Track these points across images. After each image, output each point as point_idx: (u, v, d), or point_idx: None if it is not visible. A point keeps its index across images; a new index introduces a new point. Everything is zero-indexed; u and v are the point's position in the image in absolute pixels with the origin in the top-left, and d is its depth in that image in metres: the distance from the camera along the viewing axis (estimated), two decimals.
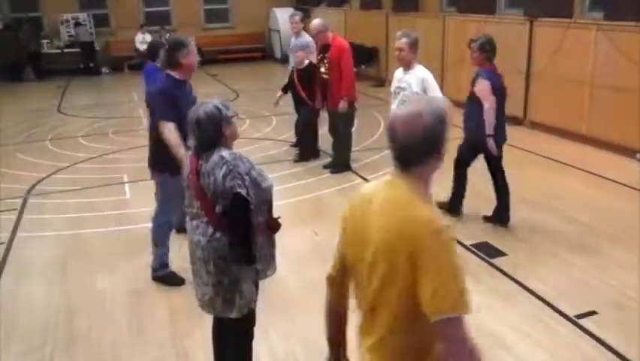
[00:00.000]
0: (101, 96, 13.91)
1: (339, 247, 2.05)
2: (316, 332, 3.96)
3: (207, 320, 4.12)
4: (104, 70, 17.08)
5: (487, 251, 4.93)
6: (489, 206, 5.39)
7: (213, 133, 2.84)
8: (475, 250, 5.00)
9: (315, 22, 7.19)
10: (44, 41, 16.69)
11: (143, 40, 15.89)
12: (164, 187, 4.55)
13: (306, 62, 7.26)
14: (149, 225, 4.60)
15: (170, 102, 4.22)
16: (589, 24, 7.92)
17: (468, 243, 5.15)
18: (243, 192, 2.77)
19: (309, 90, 7.35)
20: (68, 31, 16.90)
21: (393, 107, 5.03)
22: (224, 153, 2.83)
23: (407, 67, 4.98)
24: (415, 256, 1.73)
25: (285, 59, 15.22)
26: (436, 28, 11.23)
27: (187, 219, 3.06)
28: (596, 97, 7.81)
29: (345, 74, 6.88)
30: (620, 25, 7.40)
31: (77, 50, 16.72)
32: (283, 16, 15.76)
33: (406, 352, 1.86)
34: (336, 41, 7.11)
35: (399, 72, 5.12)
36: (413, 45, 4.89)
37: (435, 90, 4.89)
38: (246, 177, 2.81)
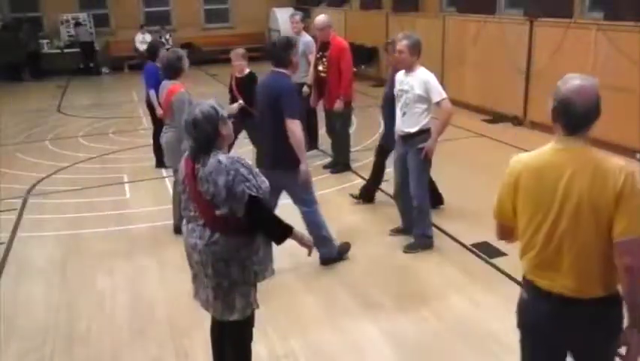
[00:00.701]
0: (101, 96, 13.91)
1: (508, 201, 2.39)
2: (316, 332, 3.97)
3: (207, 320, 4.13)
4: (104, 70, 17.08)
5: (487, 251, 4.92)
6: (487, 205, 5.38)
7: (211, 133, 2.77)
8: (476, 250, 5.00)
9: (322, 17, 7.15)
10: (44, 41, 16.68)
11: (143, 40, 15.89)
12: (296, 181, 4.56)
13: (247, 70, 6.71)
14: (150, 225, 4.61)
15: (296, 100, 4.51)
16: (589, 24, 7.92)
17: (468, 243, 5.16)
18: (254, 192, 2.77)
19: (248, 100, 6.51)
20: (68, 31, 16.90)
21: (397, 110, 4.99)
22: (221, 157, 2.76)
23: (409, 69, 4.92)
24: (619, 195, 2.15)
25: None
26: (436, 28, 11.23)
27: (183, 222, 3.03)
28: None
29: (344, 74, 6.88)
30: (620, 25, 7.40)
31: (77, 50, 16.72)
32: (283, 16, 15.76)
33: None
34: (336, 40, 7.08)
35: (400, 74, 5.07)
36: (414, 47, 4.81)
37: (439, 92, 4.82)
38: (250, 177, 2.79)
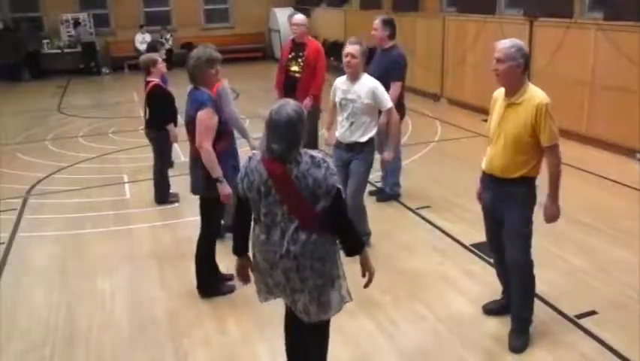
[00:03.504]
0: (101, 96, 13.91)
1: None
2: None
3: (207, 320, 4.13)
4: (104, 70, 17.09)
5: (488, 251, 4.90)
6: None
7: (302, 133, 2.75)
8: (476, 251, 5.00)
9: (301, 16, 7.04)
10: (44, 41, 16.68)
11: (143, 41, 15.89)
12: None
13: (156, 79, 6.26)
14: (150, 225, 4.62)
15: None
16: (589, 24, 7.92)
17: (468, 243, 5.16)
18: (341, 186, 2.81)
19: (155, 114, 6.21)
20: (68, 31, 16.90)
21: (341, 119, 4.75)
22: (312, 152, 2.77)
23: (354, 76, 4.65)
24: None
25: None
26: (436, 28, 11.23)
27: (256, 232, 2.90)
28: (596, 97, 7.81)
29: (319, 74, 6.78)
30: (620, 25, 7.40)
31: (77, 50, 16.73)
32: (283, 16, 15.76)
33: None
34: (312, 42, 6.95)
35: (342, 82, 4.75)
36: (364, 54, 4.64)
37: (386, 99, 4.66)
38: (335, 171, 2.81)
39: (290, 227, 2.76)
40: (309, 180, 2.69)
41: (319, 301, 2.87)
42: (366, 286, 3.02)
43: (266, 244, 2.84)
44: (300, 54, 6.86)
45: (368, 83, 4.64)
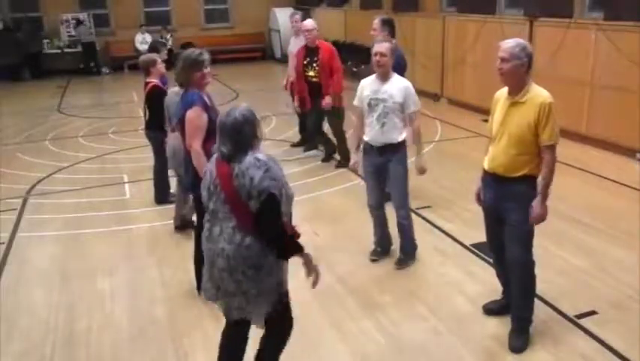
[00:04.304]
0: (101, 96, 13.92)
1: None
2: (315, 332, 3.97)
3: (207, 320, 4.13)
4: (104, 70, 17.09)
5: (488, 251, 4.91)
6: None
7: (251, 135, 2.81)
8: (476, 251, 5.00)
9: (311, 21, 7.14)
10: (44, 41, 16.68)
11: (143, 41, 15.89)
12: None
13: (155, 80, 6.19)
14: (150, 225, 4.62)
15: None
16: (589, 24, 7.91)
17: (468, 243, 5.16)
18: (277, 192, 2.77)
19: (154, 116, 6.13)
20: (68, 31, 16.90)
21: (370, 121, 4.60)
22: (259, 155, 2.81)
23: (385, 76, 4.57)
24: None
25: (284, 59, 15.21)
26: (436, 28, 11.23)
27: (205, 228, 2.97)
28: (596, 97, 7.81)
29: (337, 73, 6.94)
30: (620, 25, 7.40)
31: (78, 50, 16.73)
32: (283, 16, 15.77)
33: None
34: (324, 44, 7.09)
35: (370, 82, 4.65)
36: (393, 51, 4.59)
37: (414, 102, 4.56)
38: (279, 177, 2.81)
39: (229, 226, 2.83)
40: (246, 179, 2.75)
41: (253, 306, 2.90)
42: (313, 285, 3.01)
43: (208, 240, 2.93)
44: (315, 59, 6.98)
45: (400, 82, 4.59)
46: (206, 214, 2.97)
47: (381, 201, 4.84)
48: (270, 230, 2.81)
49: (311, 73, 7.08)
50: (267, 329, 3.10)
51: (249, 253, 2.80)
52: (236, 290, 2.86)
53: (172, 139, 5.29)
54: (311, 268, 3.01)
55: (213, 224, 2.90)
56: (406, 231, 4.83)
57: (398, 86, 4.56)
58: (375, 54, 4.53)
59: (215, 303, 3.06)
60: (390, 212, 4.86)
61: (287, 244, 2.90)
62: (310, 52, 7.03)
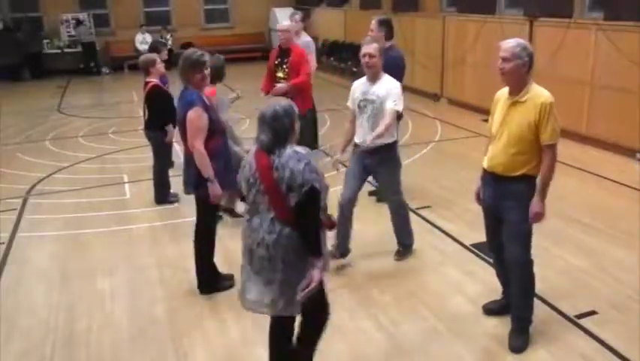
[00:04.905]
0: (101, 96, 13.92)
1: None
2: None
3: (207, 321, 4.14)
4: (104, 70, 17.09)
5: (488, 251, 4.91)
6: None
7: (288, 127, 2.89)
8: (476, 251, 5.00)
9: (287, 23, 7.04)
10: (44, 41, 16.68)
11: (143, 41, 15.89)
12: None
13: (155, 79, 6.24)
14: (150, 225, 4.62)
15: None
16: (589, 24, 7.92)
17: (468, 243, 5.16)
18: (318, 185, 2.83)
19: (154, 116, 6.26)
20: (68, 31, 16.90)
21: (360, 122, 4.58)
22: (298, 148, 2.90)
23: (375, 76, 4.52)
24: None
25: None
26: (436, 28, 11.23)
27: (245, 218, 3.05)
28: (596, 97, 7.81)
29: (303, 76, 6.76)
30: (620, 25, 7.40)
31: (78, 50, 16.72)
32: (283, 16, 15.75)
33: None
34: (296, 47, 6.97)
35: (361, 83, 4.62)
36: (382, 52, 4.53)
37: (394, 100, 4.44)
38: (318, 171, 2.88)
39: (268, 217, 2.89)
40: (286, 171, 2.80)
41: (288, 295, 2.92)
42: (302, 291, 2.90)
43: (248, 230, 2.99)
44: (285, 60, 6.86)
45: (389, 82, 4.54)
46: (246, 205, 3.05)
47: (354, 197, 4.75)
48: (310, 222, 2.88)
49: (280, 74, 6.94)
50: (304, 316, 3.14)
51: (288, 241, 2.87)
52: (274, 278, 2.91)
53: None
54: (311, 277, 2.91)
55: (254, 215, 2.97)
56: (401, 220, 4.84)
57: (386, 86, 4.51)
58: (364, 55, 4.48)
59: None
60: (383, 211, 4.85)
61: (319, 241, 2.93)
62: (282, 53, 6.93)
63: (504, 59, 3.41)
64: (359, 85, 4.65)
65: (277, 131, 2.87)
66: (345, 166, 4.86)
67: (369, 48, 4.46)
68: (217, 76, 5.31)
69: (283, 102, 2.98)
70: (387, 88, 4.50)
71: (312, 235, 2.90)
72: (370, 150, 4.53)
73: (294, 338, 3.23)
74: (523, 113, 3.42)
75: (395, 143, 4.74)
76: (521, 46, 3.42)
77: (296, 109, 2.97)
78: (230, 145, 4.81)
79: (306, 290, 2.90)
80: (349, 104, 4.75)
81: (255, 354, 3.76)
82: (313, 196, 2.82)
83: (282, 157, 2.83)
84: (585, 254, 4.92)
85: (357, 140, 4.66)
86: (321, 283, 2.99)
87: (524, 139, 3.43)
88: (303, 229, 2.87)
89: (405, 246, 4.97)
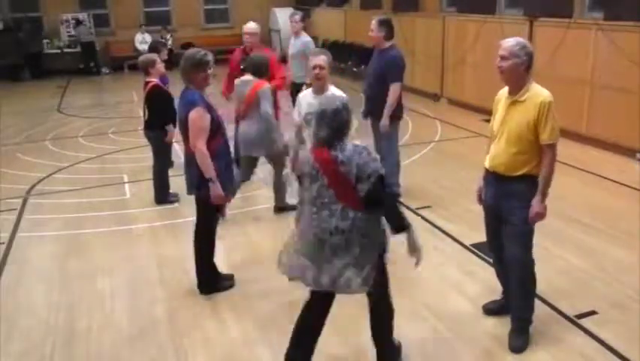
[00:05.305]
0: (101, 96, 13.92)
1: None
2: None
3: (207, 320, 4.13)
4: (104, 70, 17.09)
5: (488, 251, 4.91)
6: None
7: (347, 122, 3.03)
8: (476, 251, 5.00)
9: (254, 25, 6.73)
10: (44, 41, 16.68)
11: (143, 41, 15.89)
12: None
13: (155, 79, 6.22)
14: (150, 225, 4.63)
15: None
16: (589, 24, 7.92)
17: (468, 243, 5.16)
18: (382, 171, 3.02)
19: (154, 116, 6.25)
20: (68, 31, 16.90)
21: (308, 134, 4.51)
22: (355, 142, 3.06)
23: (322, 89, 4.37)
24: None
25: (284, 60, 15.23)
26: (436, 28, 11.24)
27: (306, 214, 3.12)
28: (596, 97, 7.81)
29: (279, 78, 6.54)
30: (620, 25, 7.40)
31: (77, 50, 16.72)
32: (283, 16, 15.78)
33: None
34: (265, 51, 6.74)
35: (307, 96, 4.47)
36: (331, 64, 4.44)
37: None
38: (378, 158, 3.05)
39: (337, 207, 3.03)
40: (352, 165, 2.96)
41: (363, 275, 3.07)
42: (416, 264, 3.16)
43: (316, 221, 3.08)
44: None
45: (339, 94, 4.30)
46: (305, 199, 3.14)
47: None
48: (385, 203, 3.09)
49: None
50: (373, 303, 3.33)
51: (363, 224, 3.04)
52: (349, 261, 3.05)
53: (243, 126, 5.59)
54: (412, 247, 3.14)
55: (320, 208, 3.07)
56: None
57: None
58: (315, 67, 4.33)
59: (299, 280, 3.23)
60: None
61: (401, 215, 3.13)
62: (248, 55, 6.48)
63: (502, 58, 3.43)
64: (305, 97, 4.51)
65: (337, 127, 3.01)
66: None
67: (318, 60, 4.33)
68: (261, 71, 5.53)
69: (342, 98, 3.13)
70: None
71: (393, 212, 3.10)
72: None
73: (371, 329, 3.42)
74: (523, 112, 3.42)
75: None
76: (520, 45, 3.42)
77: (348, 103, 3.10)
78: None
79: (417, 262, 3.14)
80: (295, 116, 4.61)
81: (255, 354, 3.76)
82: (381, 182, 3.01)
83: (345, 152, 2.97)
84: (585, 254, 4.92)
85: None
86: (383, 259, 3.20)
87: (524, 139, 3.43)
88: (383, 212, 3.08)
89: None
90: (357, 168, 2.96)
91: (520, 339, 3.69)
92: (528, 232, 3.58)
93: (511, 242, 3.60)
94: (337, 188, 3.00)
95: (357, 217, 3.03)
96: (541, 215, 3.51)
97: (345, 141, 3.02)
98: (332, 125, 3.00)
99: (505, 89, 3.58)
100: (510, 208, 3.56)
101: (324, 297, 3.28)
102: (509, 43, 3.43)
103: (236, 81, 5.72)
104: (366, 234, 3.06)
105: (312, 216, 3.10)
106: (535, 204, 3.48)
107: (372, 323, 3.42)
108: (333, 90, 4.46)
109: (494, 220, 3.73)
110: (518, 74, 3.42)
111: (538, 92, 3.43)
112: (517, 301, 3.73)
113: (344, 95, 4.35)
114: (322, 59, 4.35)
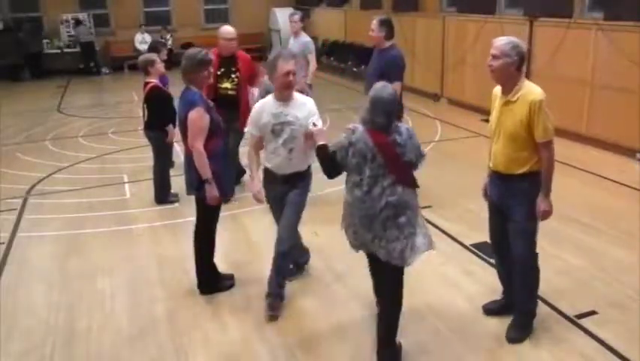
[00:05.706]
0: (101, 96, 13.91)
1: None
2: (315, 331, 3.97)
3: (207, 320, 4.13)
4: (104, 70, 17.08)
5: (488, 251, 4.91)
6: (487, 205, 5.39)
7: (397, 108, 3.34)
8: (476, 251, 5.00)
9: (230, 28, 6.34)
10: (44, 41, 16.68)
11: (142, 41, 15.89)
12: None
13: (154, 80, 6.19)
14: (150, 225, 4.62)
15: None
16: (589, 24, 7.92)
17: (468, 243, 5.16)
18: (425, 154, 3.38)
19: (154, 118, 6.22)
20: (68, 31, 16.89)
21: (274, 147, 4.06)
22: (404, 125, 3.37)
23: (289, 97, 4.03)
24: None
25: None
26: (436, 28, 11.24)
27: (355, 193, 3.34)
28: (596, 97, 7.81)
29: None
30: (620, 25, 7.40)
31: (77, 50, 16.71)
32: (283, 16, 15.76)
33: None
34: (242, 54, 6.34)
35: (270, 105, 4.06)
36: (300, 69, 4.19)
37: (318, 118, 3.98)
38: None
39: (387, 183, 3.28)
40: (407, 147, 3.28)
41: (412, 245, 3.32)
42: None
43: (366, 199, 3.31)
44: (233, 69, 6.17)
45: (305, 101, 4.12)
46: (357, 180, 3.34)
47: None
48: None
49: (226, 85, 6.15)
50: (386, 306, 3.55)
51: (408, 197, 3.31)
52: (399, 234, 3.29)
53: None
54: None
55: (372, 186, 3.29)
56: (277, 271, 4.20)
57: (305, 106, 4.07)
58: (287, 73, 3.94)
59: (363, 250, 3.53)
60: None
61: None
62: (226, 61, 6.15)
63: (493, 57, 3.44)
64: (265, 107, 4.09)
65: (391, 113, 3.28)
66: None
67: (289, 65, 3.95)
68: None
69: (389, 87, 3.34)
70: (308, 108, 4.07)
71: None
72: (286, 176, 4.15)
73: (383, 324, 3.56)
74: (515, 112, 3.44)
75: (310, 167, 4.23)
76: (512, 44, 3.41)
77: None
78: None
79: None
80: (252, 131, 4.15)
81: (255, 354, 3.77)
82: (424, 159, 3.40)
83: (402, 135, 3.28)
84: (585, 254, 4.92)
85: (269, 165, 4.19)
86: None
87: (520, 137, 3.44)
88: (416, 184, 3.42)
89: (299, 265, 4.72)
90: (412, 148, 3.28)
91: (519, 332, 3.72)
92: (532, 230, 3.61)
93: (516, 239, 3.62)
94: (393, 167, 3.26)
95: (404, 192, 3.29)
96: (548, 213, 3.53)
97: (397, 123, 3.31)
98: (386, 112, 3.25)
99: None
100: (514, 206, 3.58)
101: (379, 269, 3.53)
102: (501, 42, 3.43)
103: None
104: (411, 207, 3.32)
105: (362, 195, 3.32)
106: (540, 203, 3.51)
107: (381, 324, 3.52)
108: (300, 97, 4.18)
109: (499, 219, 3.74)
110: (509, 73, 3.42)
111: (529, 91, 3.43)
112: (521, 296, 3.75)
113: (309, 100, 4.20)
114: (293, 63, 4.00)
